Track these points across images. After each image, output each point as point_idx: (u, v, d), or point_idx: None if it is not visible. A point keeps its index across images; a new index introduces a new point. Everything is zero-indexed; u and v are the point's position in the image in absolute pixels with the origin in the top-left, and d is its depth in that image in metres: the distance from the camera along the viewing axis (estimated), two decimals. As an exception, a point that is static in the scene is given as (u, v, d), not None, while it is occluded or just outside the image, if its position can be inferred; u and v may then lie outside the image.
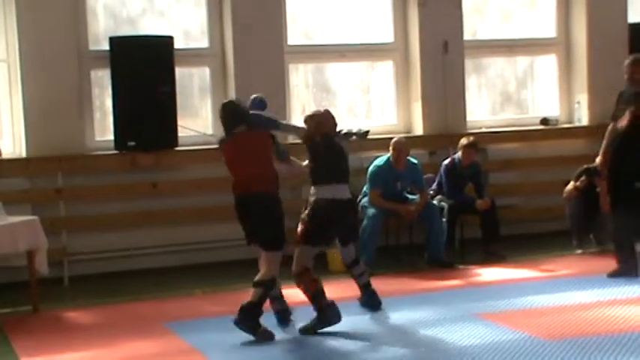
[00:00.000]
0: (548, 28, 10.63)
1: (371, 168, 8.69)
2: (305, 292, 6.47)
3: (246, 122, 6.47)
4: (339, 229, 6.77)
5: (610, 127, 7.99)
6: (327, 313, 6.37)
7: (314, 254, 6.64)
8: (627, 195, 7.58)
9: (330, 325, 6.35)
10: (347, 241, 6.95)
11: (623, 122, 7.65)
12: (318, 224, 6.50)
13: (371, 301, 6.97)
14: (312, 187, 6.64)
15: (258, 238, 6.44)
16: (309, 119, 6.78)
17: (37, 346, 6.44)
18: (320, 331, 6.34)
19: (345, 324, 6.49)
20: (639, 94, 7.68)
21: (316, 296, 6.40)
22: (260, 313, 6.29)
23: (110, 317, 7.28)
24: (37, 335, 6.79)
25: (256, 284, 6.34)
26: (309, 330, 6.35)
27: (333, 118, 6.90)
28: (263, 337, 6.24)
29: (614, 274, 7.67)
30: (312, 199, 6.58)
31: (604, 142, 8.05)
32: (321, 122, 6.76)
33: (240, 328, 6.24)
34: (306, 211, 6.57)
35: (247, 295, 7.42)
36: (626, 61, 8.00)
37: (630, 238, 7.76)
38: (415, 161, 8.79)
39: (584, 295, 7.17)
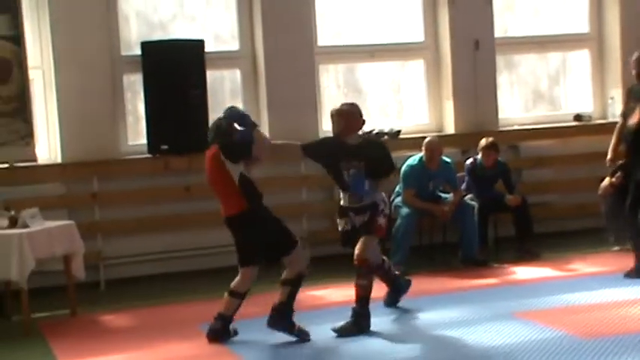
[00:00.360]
0: (580, 24, 10.54)
1: (404, 168, 8.67)
2: (360, 288, 6.41)
3: (220, 139, 6.32)
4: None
5: (619, 124, 7.91)
6: (363, 320, 6.35)
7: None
8: None
9: (359, 333, 6.29)
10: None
11: (635, 119, 7.55)
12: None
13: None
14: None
15: (266, 254, 6.43)
16: (335, 114, 6.57)
17: (75, 349, 6.52)
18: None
19: (378, 323, 6.49)
20: None
21: (362, 299, 6.39)
22: (292, 311, 6.30)
23: (146, 320, 7.35)
24: (75, 338, 6.86)
25: (284, 283, 6.36)
26: (344, 331, 6.32)
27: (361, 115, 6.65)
28: (300, 335, 6.25)
29: (630, 274, 7.55)
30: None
31: (613, 139, 7.97)
32: (351, 120, 6.56)
33: (276, 329, 6.26)
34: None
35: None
36: (633, 57, 7.86)
37: None
38: (448, 160, 8.76)
39: (621, 292, 7.11)
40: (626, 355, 5.44)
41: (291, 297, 6.32)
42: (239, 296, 6.50)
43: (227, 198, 6.38)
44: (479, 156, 8.98)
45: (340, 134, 6.54)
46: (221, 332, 6.42)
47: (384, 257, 6.93)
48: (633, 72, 7.82)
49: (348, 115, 6.54)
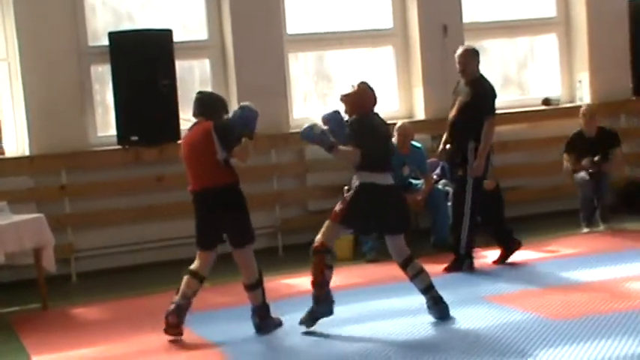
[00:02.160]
0: (547, 8, 10.59)
1: (375, 154, 8.69)
2: (312, 274, 6.20)
3: (207, 115, 6.22)
4: (380, 217, 6.17)
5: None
6: (320, 306, 6.16)
7: (339, 234, 6.32)
8: None
9: (318, 319, 6.16)
10: (389, 232, 6.33)
11: (452, 113, 7.66)
12: (357, 207, 6.10)
13: (435, 311, 6.25)
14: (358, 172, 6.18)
15: (228, 234, 6.27)
16: (343, 98, 6.35)
17: (47, 342, 6.48)
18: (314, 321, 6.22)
19: (352, 310, 6.52)
20: None
21: (318, 284, 6.19)
22: (268, 308, 6.29)
23: (119, 312, 7.32)
24: (47, 332, 6.82)
25: (250, 288, 6.28)
26: (307, 321, 6.23)
27: (372, 91, 6.40)
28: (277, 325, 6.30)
29: None
30: (356, 183, 6.19)
31: (445, 134, 7.91)
32: (363, 99, 6.29)
33: (270, 332, 6.22)
34: (350, 193, 6.21)
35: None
36: (457, 52, 7.72)
37: None
38: (419, 145, 8.80)
39: (591, 273, 7.18)
40: (595, 335, 5.50)
41: (263, 297, 6.29)
42: (199, 278, 6.40)
43: (210, 170, 6.19)
44: None
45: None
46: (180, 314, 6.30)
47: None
48: (458, 68, 7.74)
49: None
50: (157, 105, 8.70)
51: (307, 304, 6.73)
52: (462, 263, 7.66)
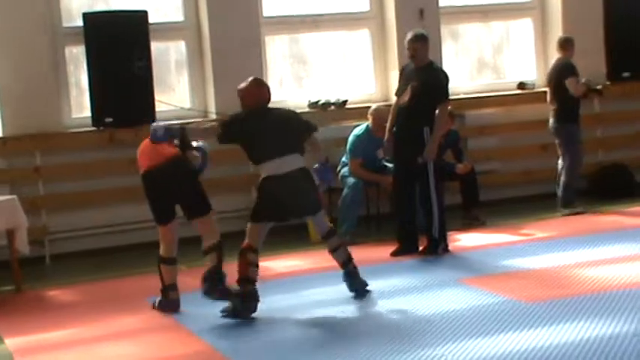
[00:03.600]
0: (523, -8, 10.63)
1: (350, 138, 8.70)
2: (237, 271, 6.27)
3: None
4: (291, 203, 6.27)
5: (394, 103, 7.97)
6: (242, 303, 6.14)
7: (260, 232, 6.33)
8: None
9: (236, 316, 6.10)
10: (306, 213, 6.58)
11: (405, 98, 7.67)
12: (262, 201, 6.30)
13: (351, 285, 6.50)
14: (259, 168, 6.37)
15: (189, 204, 6.41)
16: (239, 93, 6.49)
17: (21, 325, 6.44)
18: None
19: (326, 294, 6.54)
20: None
21: (242, 280, 6.21)
22: (223, 276, 6.32)
23: (93, 294, 7.29)
24: (21, 315, 6.79)
25: (207, 251, 6.39)
26: (228, 313, 6.20)
27: (260, 87, 6.48)
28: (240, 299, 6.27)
29: None
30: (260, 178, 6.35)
31: (389, 119, 7.91)
32: (243, 97, 6.43)
33: (212, 297, 6.24)
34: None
35: (231, 267, 7.50)
36: (407, 37, 7.80)
37: None
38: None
39: (564, 256, 7.24)
40: (568, 316, 5.56)
41: (219, 262, 6.33)
42: (173, 261, 6.50)
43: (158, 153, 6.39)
44: None
45: None
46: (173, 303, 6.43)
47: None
48: (408, 53, 7.78)
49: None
50: (132, 87, 8.65)
51: (279, 287, 6.79)
52: (437, 247, 7.70)
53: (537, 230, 8.46)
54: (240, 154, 9.16)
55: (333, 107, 9.51)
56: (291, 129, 6.39)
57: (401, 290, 6.59)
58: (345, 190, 8.52)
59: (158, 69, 9.05)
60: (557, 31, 10.35)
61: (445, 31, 10.19)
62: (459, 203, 9.13)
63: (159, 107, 8.93)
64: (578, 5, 10.20)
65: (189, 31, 9.36)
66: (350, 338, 5.53)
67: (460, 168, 8.95)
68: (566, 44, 9.21)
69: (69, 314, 6.67)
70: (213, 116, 9.24)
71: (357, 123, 8.88)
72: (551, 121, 9.21)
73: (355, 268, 6.53)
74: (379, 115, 8.63)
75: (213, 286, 6.26)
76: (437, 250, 7.68)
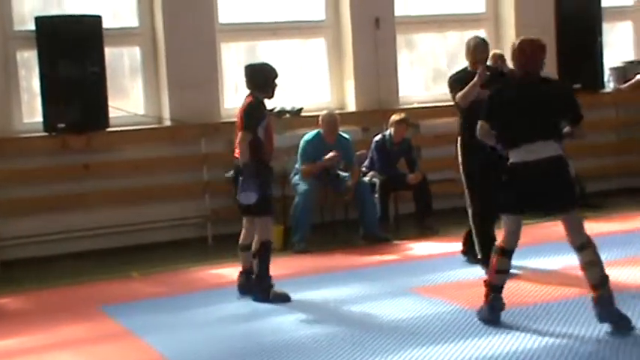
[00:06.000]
0: (477, 3, 10.73)
1: (301, 143, 8.77)
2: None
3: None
4: (538, 195, 5.51)
5: None
6: (489, 313, 5.72)
7: (516, 227, 5.69)
8: None
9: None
10: (555, 211, 5.63)
11: None
12: (508, 189, 5.60)
13: (603, 315, 5.40)
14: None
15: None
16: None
17: (-31, 333, 6.33)
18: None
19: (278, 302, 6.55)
20: None
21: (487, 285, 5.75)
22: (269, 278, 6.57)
23: (44, 302, 7.20)
24: (-31, 323, 6.67)
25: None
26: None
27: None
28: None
29: None
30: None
31: None
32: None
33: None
34: None
35: (185, 275, 7.48)
36: None
37: None
38: (347, 136, 8.87)
39: (516, 265, 7.28)
40: (516, 325, 5.62)
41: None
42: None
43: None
44: (387, 132, 9.11)
45: None
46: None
47: None
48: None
49: None
50: (84, 92, 8.57)
51: (235, 294, 6.77)
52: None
53: (490, 239, 8.54)
54: (195, 160, 9.22)
55: (288, 115, 9.52)
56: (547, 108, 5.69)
57: (353, 298, 6.60)
58: (297, 198, 8.54)
59: (112, 74, 8.98)
60: (511, 42, 10.45)
61: (401, 40, 10.26)
62: (413, 212, 9.19)
63: (112, 113, 8.86)
64: (531, 16, 10.34)
65: (144, 36, 9.31)
66: (302, 345, 5.53)
67: (412, 178, 9.03)
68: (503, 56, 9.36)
69: (19, 323, 6.57)
70: (167, 123, 9.21)
71: (312, 131, 8.90)
72: None
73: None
74: (329, 119, 8.68)
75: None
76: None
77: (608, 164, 10.81)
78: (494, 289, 5.71)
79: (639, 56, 11.34)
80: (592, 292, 5.46)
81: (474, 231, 7.27)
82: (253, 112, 6.55)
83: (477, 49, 7.19)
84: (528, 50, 5.59)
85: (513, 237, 5.68)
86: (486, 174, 6.92)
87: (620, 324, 5.37)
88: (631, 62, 11.09)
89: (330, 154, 8.60)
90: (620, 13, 11.31)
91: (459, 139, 7.26)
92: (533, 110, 5.48)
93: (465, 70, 7.27)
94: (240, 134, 6.49)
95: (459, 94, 7.01)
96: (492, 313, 5.70)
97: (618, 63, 11.03)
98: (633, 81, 10.36)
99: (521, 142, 5.49)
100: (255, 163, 6.43)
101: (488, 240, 7.01)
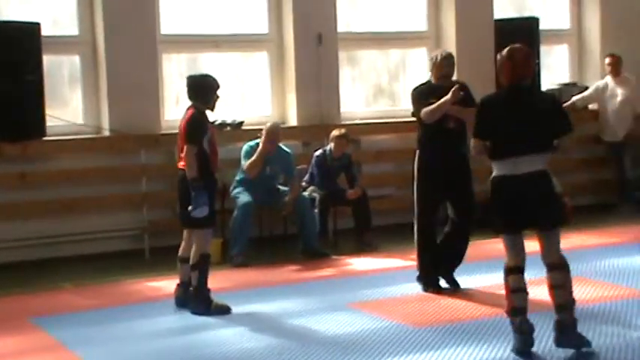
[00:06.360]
0: (419, 22, 10.85)
1: (244, 147, 8.82)
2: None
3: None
4: (525, 210, 5.30)
5: None
6: (518, 339, 5.32)
7: (513, 244, 5.38)
8: None
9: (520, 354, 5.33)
10: (539, 226, 5.37)
11: None
12: (496, 206, 5.40)
13: (561, 340, 5.30)
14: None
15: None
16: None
17: None
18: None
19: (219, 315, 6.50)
20: None
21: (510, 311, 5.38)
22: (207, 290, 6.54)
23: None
24: None
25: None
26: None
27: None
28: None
29: None
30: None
31: None
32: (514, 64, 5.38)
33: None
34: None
35: (121, 287, 7.37)
36: None
37: None
38: (287, 150, 8.87)
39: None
40: (451, 342, 5.66)
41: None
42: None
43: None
44: (328, 147, 9.13)
45: None
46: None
47: None
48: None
49: None
50: (21, 100, 8.40)
51: (171, 307, 6.70)
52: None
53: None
54: (134, 171, 9.12)
55: (229, 128, 9.49)
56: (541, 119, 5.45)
57: (291, 313, 6.59)
58: (236, 211, 8.50)
59: (51, 83, 8.84)
60: (451, 61, 10.60)
61: (343, 56, 10.31)
62: (352, 228, 9.21)
63: (50, 122, 8.72)
64: (472, 37, 10.48)
65: (84, 45, 9.19)
66: (240, 358, 5.50)
67: (351, 193, 9.07)
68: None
69: (-55, 334, 6.40)
70: (107, 133, 9.10)
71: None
72: None
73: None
74: (270, 130, 8.71)
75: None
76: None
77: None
78: (516, 312, 5.28)
79: (574, 79, 11.57)
80: (555, 313, 5.27)
81: (416, 246, 7.18)
82: (197, 124, 6.54)
83: (444, 63, 6.98)
84: (520, 57, 5.36)
85: (515, 253, 5.35)
86: (440, 188, 6.90)
87: (580, 348, 5.21)
88: (567, 84, 11.32)
89: (265, 146, 8.55)
90: (556, 36, 11.54)
91: (417, 152, 7.09)
92: (524, 124, 5.26)
93: (428, 83, 7.12)
94: (186, 148, 6.46)
95: (426, 109, 6.84)
96: (522, 339, 5.24)
97: (555, 85, 11.24)
98: (569, 103, 10.55)
99: (509, 155, 5.28)
100: (202, 175, 6.41)
101: (428, 258, 7.05)
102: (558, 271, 5.26)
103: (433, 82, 7.06)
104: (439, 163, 6.92)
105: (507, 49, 5.46)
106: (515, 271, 5.33)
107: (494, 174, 5.39)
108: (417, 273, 7.16)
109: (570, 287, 5.29)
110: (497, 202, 5.35)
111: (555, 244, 5.31)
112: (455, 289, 7.06)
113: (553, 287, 5.28)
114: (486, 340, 5.66)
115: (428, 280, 7.08)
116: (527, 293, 5.34)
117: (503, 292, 5.42)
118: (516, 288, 5.30)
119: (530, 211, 5.25)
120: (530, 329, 5.25)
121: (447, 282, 7.14)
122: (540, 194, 5.27)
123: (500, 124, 5.33)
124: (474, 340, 5.69)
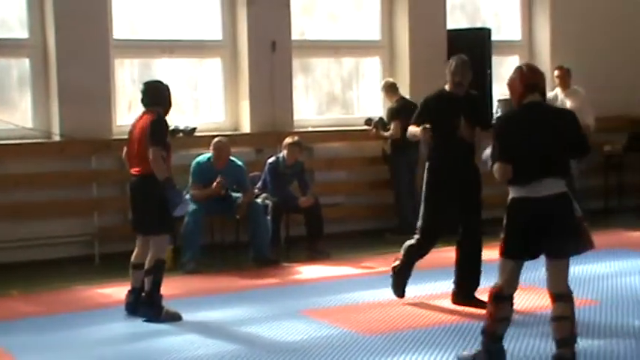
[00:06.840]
0: (373, 31, 10.92)
1: (193, 164, 8.72)
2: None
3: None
4: (540, 236, 5.03)
5: None
6: None
7: (513, 271, 5.14)
8: None
9: None
10: (553, 254, 5.08)
11: None
12: (510, 230, 5.12)
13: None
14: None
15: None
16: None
17: None
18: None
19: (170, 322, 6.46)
20: None
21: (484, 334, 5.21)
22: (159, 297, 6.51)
23: None
24: None
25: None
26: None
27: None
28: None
29: None
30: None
31: None
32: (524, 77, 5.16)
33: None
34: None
35: (70, 294, 7.29)
36: None
37: None
38: (240, 163, 8.84)
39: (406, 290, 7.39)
40: (402, 350, 5.69)
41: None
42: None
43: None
44: (281, 154, 9.13)
45: None
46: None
47: None
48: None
49: None
50: (-31, 103, 8.29)
51: (122, 314, 6.64)
52: None
53: (378, 264, 8.61)
54: (85, 177, 9.02)
55: (181, 134, 9.44)
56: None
57: (242, 320, 6.57)
58: (187, 218, 8.46)
59: (-1, 86, 8.73)
60: (404, 70, 10.70)
61: (296, 64, 10.33)
62: (304, 235, 9.22)
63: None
64: (425, 47, 10.57)
65: (34, 48, 9.08)
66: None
67: (303, 201, 9.08)
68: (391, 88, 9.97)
69: None
70: (57, 137, 8.99)
71: (206, 151, 8.84)
72: None
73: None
74: (220, 146, 8.69)
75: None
76: None
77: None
78: (496, 339, 5.14)
79: (525, 89, 11.71)
80: (555, 347, 5.00)
81: (402, 251, 6.88)
82: (161, 127, 6.57)
83: (457, 70, 6.70)
84: (536, 73, 5.17)
85: (511, 281, 5.13)
86: (449, 197, 6.65)
87: None
88: (518, 95, 11.45)
89: (216, 182, 8.55)
90: (508, 47, 11.69)
91: (427, 164, 6.80)
92: (542, 146, 4.99)
93: (441, 91, 6.83)
94: (152, 150, 6.43)
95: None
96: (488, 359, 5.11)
97: (506, 96, 11.35)
98: None
99: (528, 179, 4.99)
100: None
101: (408, 266, 6.89)
102: (564, 302, 5.01)
103: (448, 89, 6.81)
104: (450, 174, 6.61)
105: (524, 64, 5.31)
106: (508, 299, 5.14)
107: (511, 195, 5.09)
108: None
109: (574, 320, 5.04)
110: (512, 225, 5.06)
111: (564, 274, 5.05)
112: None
113: (557, 319, 5.01)
114: (435, 348, 5.70)
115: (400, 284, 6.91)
116: (510, 321, 5.20)
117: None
118: (503, 317, 5.15)
119: (545, 237, 4.98)
120: (503, 356, 5.17)
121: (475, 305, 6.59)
122: (559, 218, 4.98)
123: (521, 145, 5.04)
124: (423, 347, 5.73)
